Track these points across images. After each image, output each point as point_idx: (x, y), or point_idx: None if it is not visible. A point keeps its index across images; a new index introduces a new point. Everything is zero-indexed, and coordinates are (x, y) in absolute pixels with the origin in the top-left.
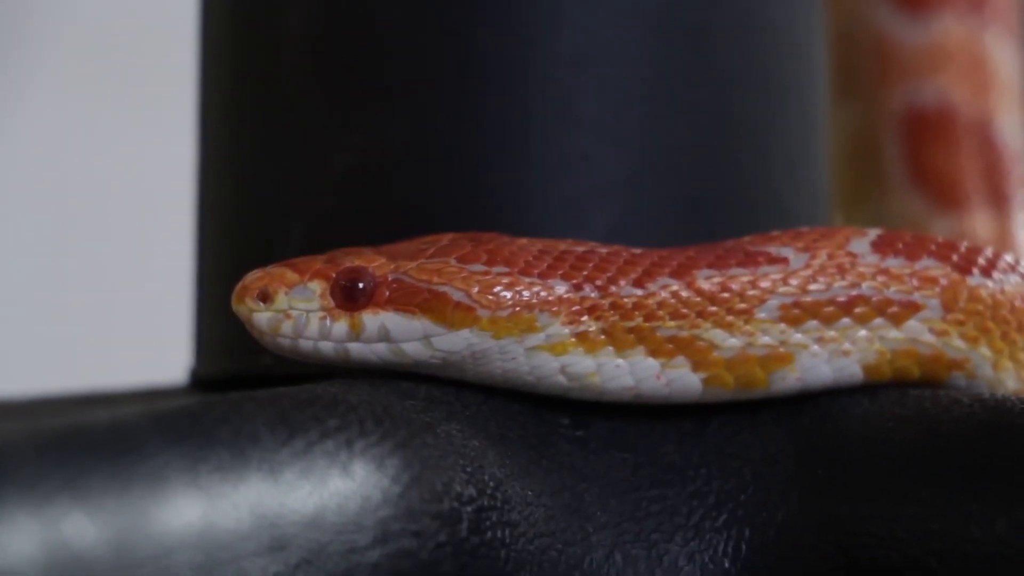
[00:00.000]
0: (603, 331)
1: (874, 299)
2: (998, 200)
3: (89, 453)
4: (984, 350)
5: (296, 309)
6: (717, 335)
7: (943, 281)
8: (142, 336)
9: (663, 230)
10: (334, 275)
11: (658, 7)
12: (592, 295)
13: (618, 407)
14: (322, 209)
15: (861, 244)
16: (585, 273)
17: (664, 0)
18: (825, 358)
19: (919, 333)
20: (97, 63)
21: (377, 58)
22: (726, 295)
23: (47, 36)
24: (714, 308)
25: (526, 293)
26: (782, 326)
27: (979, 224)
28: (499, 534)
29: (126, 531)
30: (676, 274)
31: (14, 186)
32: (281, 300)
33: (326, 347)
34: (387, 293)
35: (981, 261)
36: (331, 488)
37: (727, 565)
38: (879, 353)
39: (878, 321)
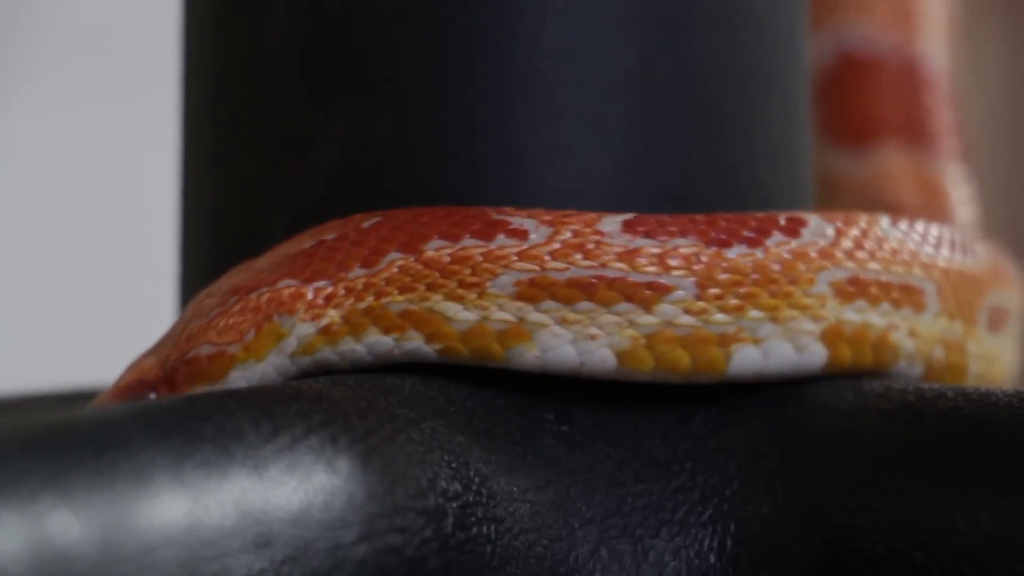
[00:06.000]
0: (343, 318)
1: (617, 282)
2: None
3: (73, 450)
4: (754, 312)
5: None
6: (449, 308)
7: (697, 259)
8: (126, 332)
9: None
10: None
11: None
12: (324, 285)
13: (602, 401)
14: (305, 202)
15: (612, 223)
16: (313, 266)
17: None
18: (569, 339)
19: (673, 316)
20: (84, 60)
21: (360, 51)
22: (457, 267)
23: (34, 35)
24: (445, 280)
25: (258, 306)
26: (519, 303)
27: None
28: (485, 530)
29: (111, 528)
30: (404, 247)
31: None
32: None
33: None
34: (166, 389)
35: (746, 233)
36: (316, 484)
37: (712, 560)
38: (632, 339)
39: (625, 306)
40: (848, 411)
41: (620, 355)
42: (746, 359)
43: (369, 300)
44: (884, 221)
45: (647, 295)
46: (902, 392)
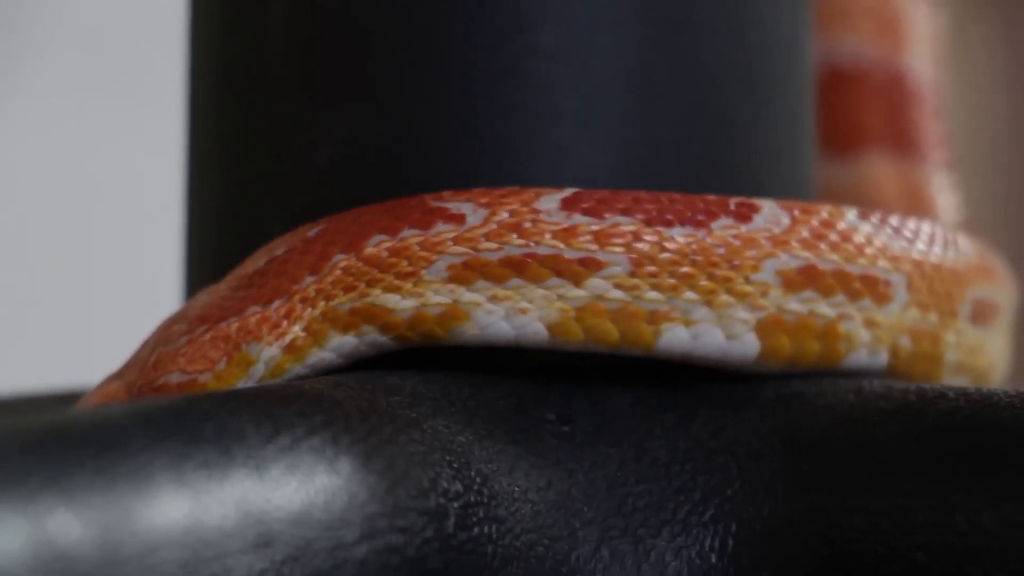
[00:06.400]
0: (304, 329)
1: (549, 258)
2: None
3: (73, 450)
4: (688, 294)
5: None
6: (389, 299)
7: (632, 236)
8: (129, 332)
9: None
10: None
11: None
12: (282, 302)
13: (603, 402)
14: (304, 203)
15: (550, 201)
16: (270, 285)
17: None
18: (502, 315)
19: (603, 290)
20: (88, 62)
21: (359, 52)
22: (394, 260)
23: (37, 35)
24: (383, 275)
25: (228, 335)
26: (452, 286)
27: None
28: (486, 530)
29: (111, 528)
30: (347, 248)
31: (2, 184)
32: None
33: None
34: None
35: (691, 214)
36: (317, 484)
37: (714, 560)
38: (561, 311)
39: (555, 280)
40: (849, 411)
41: (551, 327)
42: (675, 338)
43: (321, 305)
44: (851, 213)
45: (578, 270)
46: (903, 392)
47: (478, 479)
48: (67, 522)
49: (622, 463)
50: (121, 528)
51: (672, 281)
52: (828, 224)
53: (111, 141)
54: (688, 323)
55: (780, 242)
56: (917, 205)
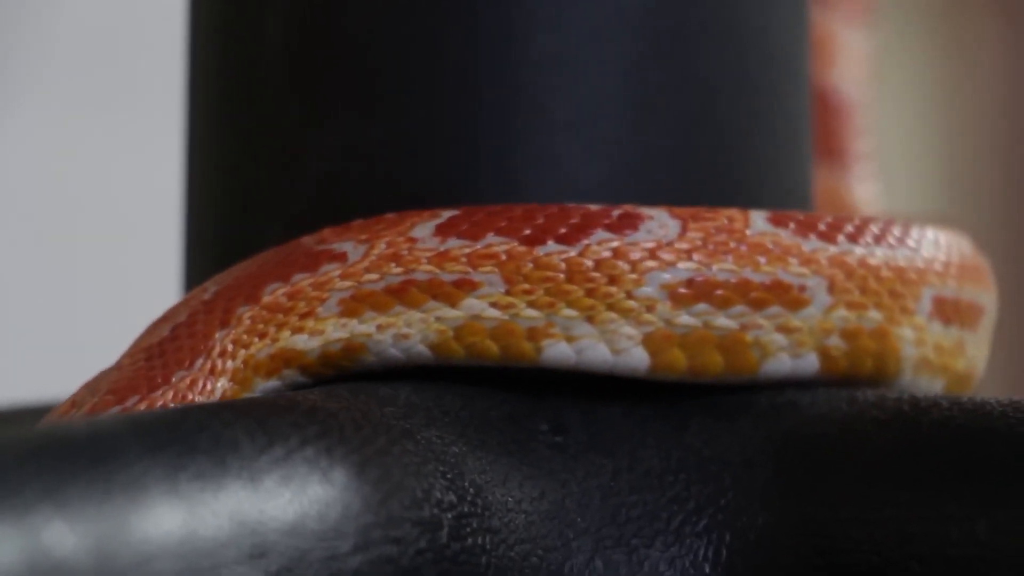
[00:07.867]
0: (231, 380)
1: (425, 283)
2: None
3: (69, 461)
4: (567, 311)
5: None
6: (298, 340)
7: (505, 255)
8: (128, 342)
9: None
10: None
11: (635, 8)
12: (203, 361)
13: (596, 412)
14: (300, 212)
15: (425, 228)
16: (185, 347)
17: (641, 1)
18: (390, 342)
19: (479, 309)
20: (88, 72)
21: (353, 63)
22: (292, 303)
23: (37, 46)
24: (286, 318)
25: (164, 404)
26: (344, 320)
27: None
28: (480, 540)
29: (107, 539)
30: (248, 299)
31: (2, 193)
32: None
33: None
34: None
35: (563, 229)
36: (311, 495)
37: (707, 570)
38: (439, 332)
39: (432, 303)
40: (843, 421)
41: (432, 347)
42: (557, 354)
43: (242, 354)
44: (759, 219)
45: (452, 292)
46: (896, 402)
47: (472, 490)
48: (62, 533)
49: (615, 473)
50: (116, 539)
51: (548, 298)
52: (727, 231)
53: (110, 151)
54: (570, 339)
55: (668, 253)
56: (839, 210)
